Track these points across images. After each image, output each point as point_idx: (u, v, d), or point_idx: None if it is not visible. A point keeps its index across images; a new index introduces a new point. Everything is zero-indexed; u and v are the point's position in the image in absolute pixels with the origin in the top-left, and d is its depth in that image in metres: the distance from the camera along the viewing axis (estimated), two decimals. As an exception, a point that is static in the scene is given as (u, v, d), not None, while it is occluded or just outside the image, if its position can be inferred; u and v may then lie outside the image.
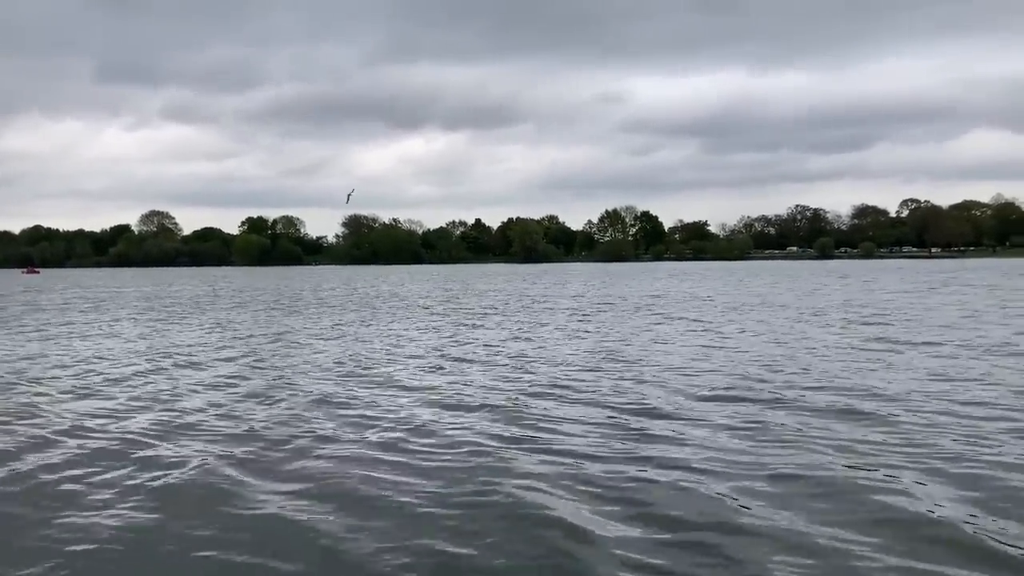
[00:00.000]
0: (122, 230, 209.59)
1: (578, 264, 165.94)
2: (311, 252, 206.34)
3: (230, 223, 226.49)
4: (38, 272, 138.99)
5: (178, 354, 17.61)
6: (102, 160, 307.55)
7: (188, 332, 23.56)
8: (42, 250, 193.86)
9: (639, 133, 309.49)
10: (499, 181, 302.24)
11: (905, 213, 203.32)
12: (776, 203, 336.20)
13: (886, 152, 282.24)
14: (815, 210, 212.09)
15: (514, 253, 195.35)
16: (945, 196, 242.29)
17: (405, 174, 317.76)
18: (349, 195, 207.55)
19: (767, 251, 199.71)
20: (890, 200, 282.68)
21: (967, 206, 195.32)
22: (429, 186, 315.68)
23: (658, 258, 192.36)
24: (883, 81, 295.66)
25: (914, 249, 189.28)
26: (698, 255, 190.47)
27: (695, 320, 25.22)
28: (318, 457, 8.40)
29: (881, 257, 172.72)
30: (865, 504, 6.60)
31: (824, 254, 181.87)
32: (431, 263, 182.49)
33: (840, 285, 49.57)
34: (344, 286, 60.61)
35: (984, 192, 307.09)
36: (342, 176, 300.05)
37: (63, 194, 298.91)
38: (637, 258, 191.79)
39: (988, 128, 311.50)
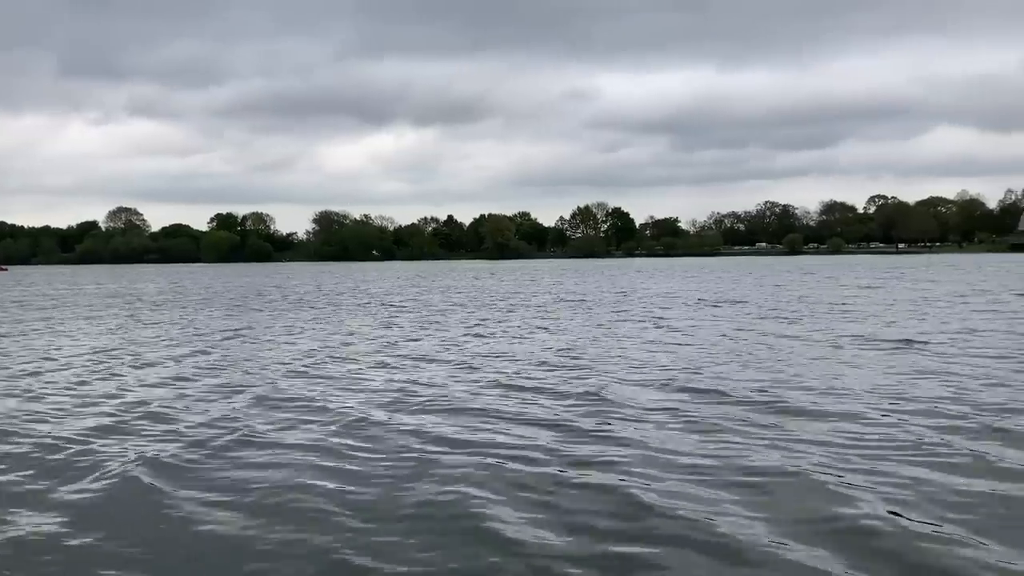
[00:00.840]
0: (89, 227, 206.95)
1: (550, 261, 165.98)
2: (281, 249, 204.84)
3: (199, 220, 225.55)
4: (6, 270, 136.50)
5: (128, 354, 17.27)
6: (66, 156, 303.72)
7: (143, 331, 23.16)
8: (6, 247, 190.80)
9: (608, 130, 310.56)
10: (469, 177, 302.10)
11: (872, 209, 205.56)
12: (745, 200, 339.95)
13: (852, 149, 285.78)
14: (784, 206, 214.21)
15: (486, 249, 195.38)
16: (911, 193, 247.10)
17: (375, 170, 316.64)
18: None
19: (737, 247, 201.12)
20: (858, 197, 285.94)
21: (933, 202, 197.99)
22: (399, 183, 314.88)
23: (630, 254, 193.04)
24: (847, 79, 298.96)
25: (881, 245, 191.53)
26: (669, 251, 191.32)
27: (658, 317, 25.19)
28: (253, 463, 8.15)
29: (849, 253, 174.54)
30: (802, 505, 6.51)
31: (793, 250, 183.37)
32: (403, 260, 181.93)
33: (803, 281, 49.99)
34: (310, 283, 60.12)
35: (949, 189, 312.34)
36: (311, 172, 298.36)
37: (26, 190, 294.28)
38: (609, 254, 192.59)
39: (951, 126, 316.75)
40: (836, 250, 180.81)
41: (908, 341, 17.01)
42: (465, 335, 20.33)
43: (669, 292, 40.44)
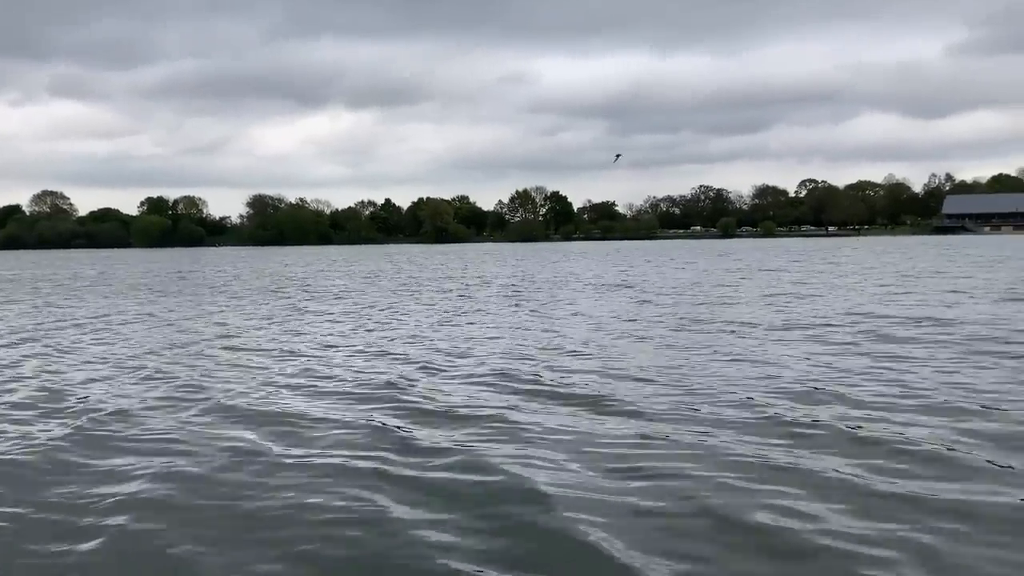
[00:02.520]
0: (12, 211, 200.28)
1: (488, 244, 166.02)
2: (214, 233, 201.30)
3: (129, 204, 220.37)
4: None
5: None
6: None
7: (37, 316, 22.68)
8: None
9: (545, 114, 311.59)
10: (407, 161, 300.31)
11: (803, 193, 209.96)
12: (680, 184, 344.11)
13: (782, 134, 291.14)
14: (718, 190, 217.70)
15: (425, 233, 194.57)
16: (841, 177, 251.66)
17: (310, 153, 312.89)
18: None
19: (672, 231, 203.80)
20: (790, 181, 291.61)
21: (861, 186, 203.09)
22: (336, 165, 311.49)
23: (568, 238, 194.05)
24: (778, 65, 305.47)
25: (812, 228, 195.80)
26: (606, 235, 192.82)
27: (547, 302, 25.50)
28: (127, 473, 8.15)
29: (781, 236, 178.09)
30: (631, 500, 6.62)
31: (726, 233, 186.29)
32: (340, 244, 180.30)
33: (711, 264, 51.08)
34: (231, 268, 59.29)
35: (877, 173, 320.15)
36: (244, 155, 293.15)
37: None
38: (547, 238, 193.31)
39: (877, 111, 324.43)
40: (768, 233, 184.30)
41: (748, 324, 17.61)
42: (310, 324, 20.38)
43: (573, 274, 40.99)
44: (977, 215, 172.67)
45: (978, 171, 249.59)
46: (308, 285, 37.14)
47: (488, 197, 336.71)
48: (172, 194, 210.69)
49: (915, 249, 73.47)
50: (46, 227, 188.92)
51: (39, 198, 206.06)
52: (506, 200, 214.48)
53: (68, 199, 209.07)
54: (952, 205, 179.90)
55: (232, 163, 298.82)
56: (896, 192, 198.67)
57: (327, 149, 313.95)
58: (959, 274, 34.67)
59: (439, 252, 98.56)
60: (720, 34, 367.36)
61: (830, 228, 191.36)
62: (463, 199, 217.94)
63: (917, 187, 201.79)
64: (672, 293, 27.65)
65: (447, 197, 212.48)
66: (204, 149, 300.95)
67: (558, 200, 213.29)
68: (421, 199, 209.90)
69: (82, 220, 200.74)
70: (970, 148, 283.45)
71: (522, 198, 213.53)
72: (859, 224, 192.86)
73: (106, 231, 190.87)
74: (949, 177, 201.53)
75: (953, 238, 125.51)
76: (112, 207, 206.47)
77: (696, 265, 50.61)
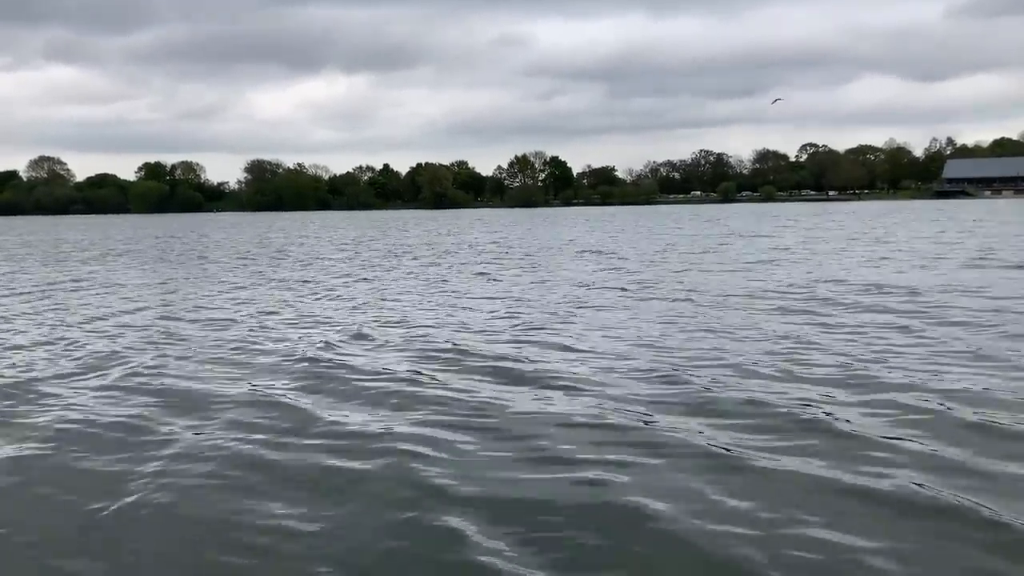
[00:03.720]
0: (8, 177, 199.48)
1: (487, 210, 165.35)
2: (213, 199, 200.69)
3: (126, 169, 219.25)
4: None
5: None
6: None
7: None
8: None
9: (543, 77, 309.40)
10: (403, 126, 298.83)
11: (804, 158, 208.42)
12: (679, 148, 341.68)
13: (781, 97, 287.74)
14: (718, 155, 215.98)
15: (424, 199, 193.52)
16: (841, 141, 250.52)
17: (306, 118, 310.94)
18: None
19: (672, 196, 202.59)
20: (790, 145, 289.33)
21: (862, 151, 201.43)
22: (332, 131, 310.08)
23: (567, 203, 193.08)
24: (775, 28, 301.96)
25: (812, 193, 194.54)
26: (606, 200, 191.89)
27: (513, 269, 25.35)
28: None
29: (781, 201, 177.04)
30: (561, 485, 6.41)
31: (727, 198, 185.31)
32: (339, 209, 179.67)
33: (699, 230, 50.84)
34: (217, 234, 59.18)
35: (877, 137, 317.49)
36: (240, 120, 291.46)
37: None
38: (547, 203, 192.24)
39: (877, 75, 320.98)
40: (768, 198, 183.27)
41: (693, 292, 17.53)
42: (263, 291, 20.32)
43: (568, 240, 40.85)
44: (978, 179, 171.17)
45: (979, 135, 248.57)
46: (282, 252, 37.03)
47: (486, 162, 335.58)
48: (170, 159, 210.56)
49: (902, 214, 73.07)
50: (43, 193, 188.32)
51: (36, 163, 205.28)
52: (505, 165, 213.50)
53: (65, 165, 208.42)
54: (953, 169, 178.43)
55: (229, 128, 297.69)
56: (897, 156, 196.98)
57: (323, 114, 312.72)
58: (935, 239, 34.49)
59: (429, 218, 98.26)
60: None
61: (831, 193, 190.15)
62: (462, 164, 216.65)
63: (918, 151, 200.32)
64: (638, 259, 27.53)
65: (445, 162, 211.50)
66: (200, 114, 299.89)
67: (557, 165, 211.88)
68: (420, 164, 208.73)
69: (80, 186, 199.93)
70: (972, 112, 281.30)
71: (521, 163, 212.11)
72: (859, 189, 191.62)
73: (104, 197, 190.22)
74: (950, 141, 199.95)
75: (950, 203, 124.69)
76: (110, 172, 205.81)
77: (682, 230, 50.38)
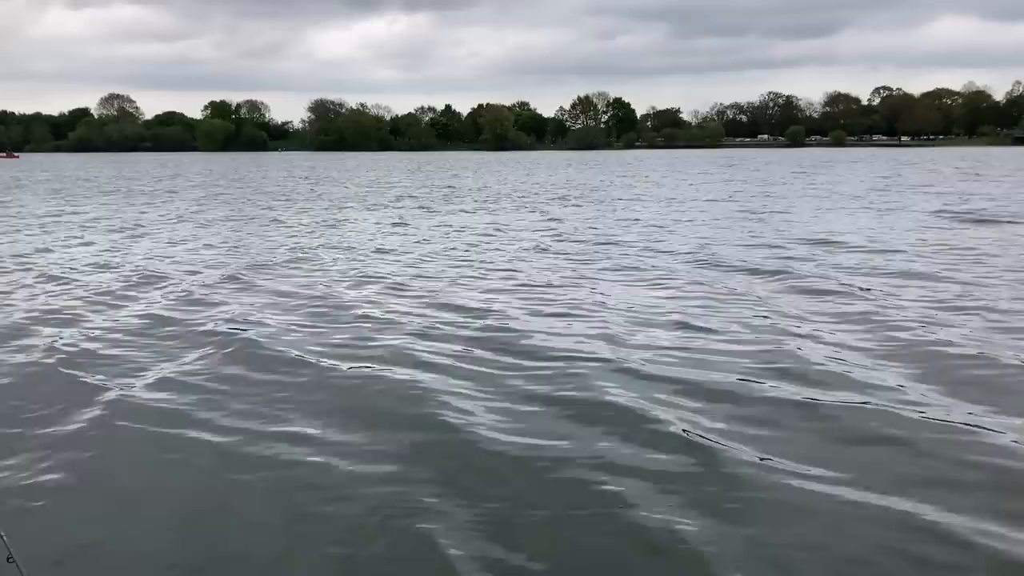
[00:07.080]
0: (81, 114, 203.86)
1: (547, 152, 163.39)
2: (277, 138, 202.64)
3: (192, 107, 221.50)
4: (16, 156, 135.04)
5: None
6: (49, 40, 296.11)
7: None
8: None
9: (604, 16, 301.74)
10: (464, 65, 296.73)
11: (877, 101, 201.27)
12: (746, 90, 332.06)
13: (853, 38, 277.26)
14: (787, 97, 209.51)
15: (485, 141, 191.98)
16: (916, 84, 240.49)
17: (367, 57, 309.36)
18: None
19: (739, 139, 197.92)
20: (862, 88, 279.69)
21: (938, 94, 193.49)
22: (393, 70, 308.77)
23: (630, 146, 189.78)
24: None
25: (884, 138, 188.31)
26: (670, 143, 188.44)
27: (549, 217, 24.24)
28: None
29: (851, 145, 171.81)
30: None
31: (795, 142, 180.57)
32: (400, 150, 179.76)
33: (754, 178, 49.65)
34: (252, 174, 59.69)
35: (955, 80, 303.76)
36: (303, 59, 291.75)
37: (10, 76, 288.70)
38: (609, 146, 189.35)
39: (956, 14, 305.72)
40: (838, 143, 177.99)
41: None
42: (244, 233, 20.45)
43: (586, 186, 40.34)
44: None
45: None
46: (292, 192, 37.48)
47: (548, 103, 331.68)
48: (235, 98, 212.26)
49: (961, 161, 70.06)
50: (114, 130, 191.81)
51: (106, 101, 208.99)
52: (567, 107, 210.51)
53: (134, 102, 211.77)
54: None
55: (291, 67, 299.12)
56: (975, 100, 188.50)
57: (384, 52, 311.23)
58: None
59: (476, 162, 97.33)
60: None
61: (903, 138, 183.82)
62: (523, 105, 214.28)
63: (999, 95, 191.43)
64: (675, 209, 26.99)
65: (506, 103, 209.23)
66: (262, 52, 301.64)
67: (621, 107, 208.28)
68: (481, 105, 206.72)
69: (148, 124, 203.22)
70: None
71: (583, 104, 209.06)
72: (934, 134, 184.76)
73: (171, 135, 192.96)
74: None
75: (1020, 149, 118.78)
76: (176, 111, 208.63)
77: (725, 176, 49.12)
